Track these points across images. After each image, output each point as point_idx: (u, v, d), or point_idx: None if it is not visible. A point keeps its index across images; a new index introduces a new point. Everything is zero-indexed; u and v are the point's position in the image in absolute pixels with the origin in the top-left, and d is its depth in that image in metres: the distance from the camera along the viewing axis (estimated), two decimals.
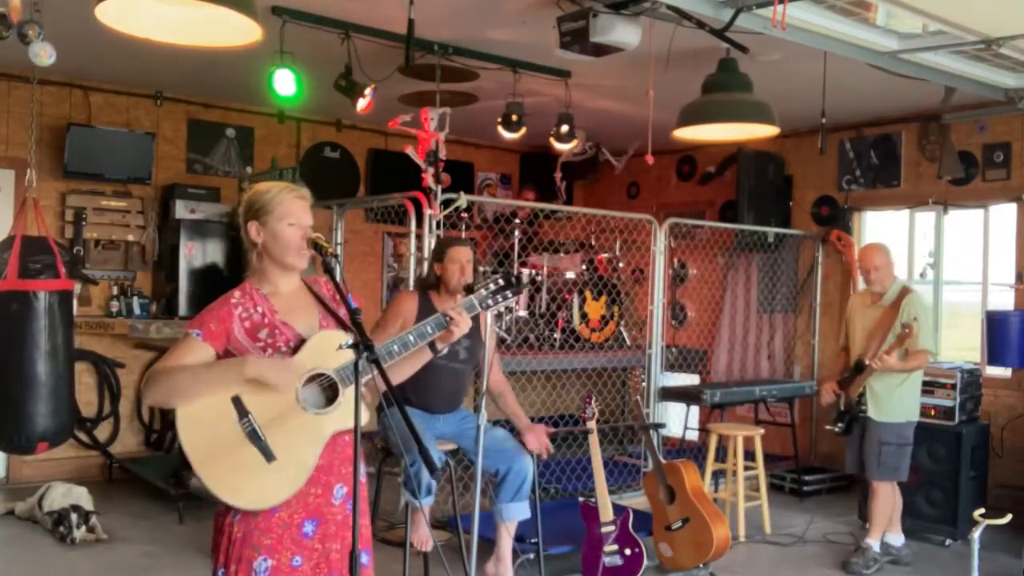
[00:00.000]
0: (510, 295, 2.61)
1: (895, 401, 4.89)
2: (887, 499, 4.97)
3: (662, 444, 6.48)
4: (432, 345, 2.58)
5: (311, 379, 2.36)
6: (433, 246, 4.68)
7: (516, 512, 4.06)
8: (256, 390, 2.30)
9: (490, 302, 2.63)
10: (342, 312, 2.47)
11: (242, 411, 2.29)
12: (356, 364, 2.23)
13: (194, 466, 2.26)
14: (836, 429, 5.08)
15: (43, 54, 3.79)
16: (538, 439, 4.14)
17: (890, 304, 4.92)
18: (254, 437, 2.28)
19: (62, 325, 3.96)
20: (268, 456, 2.28)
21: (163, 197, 6.89)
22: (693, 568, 4.68)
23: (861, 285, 7.06)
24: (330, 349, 2.37)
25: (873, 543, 4.98)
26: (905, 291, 4.96)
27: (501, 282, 2.62)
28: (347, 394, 2.36)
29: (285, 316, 2.42)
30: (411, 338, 2.49)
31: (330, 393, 2.37)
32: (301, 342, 2.38)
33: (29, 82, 6.03)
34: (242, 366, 2.30)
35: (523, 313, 6.58)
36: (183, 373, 2.30)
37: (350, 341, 2.26)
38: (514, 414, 4.25)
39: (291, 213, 2.41)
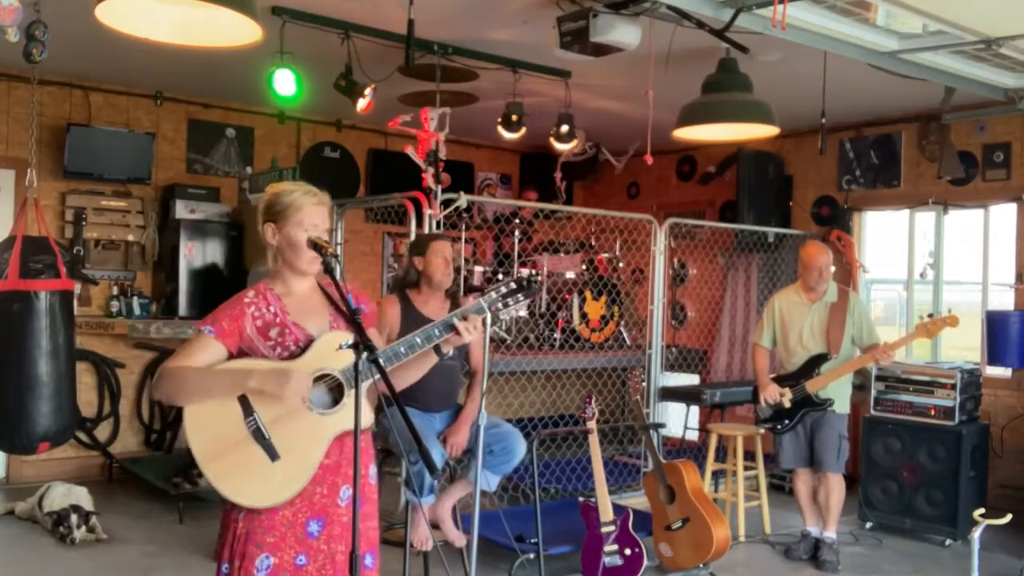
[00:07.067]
0: (522, 298, 2.45)
1: (844, 394, 5.10)
2: (843, 490, 5.10)
3: (662, 444, 6.48)
4: (438, 349, 2.50)
5: (317, 379, 2.36)
6: (411, 242, 4.57)
7: (485, 480, 3.95)
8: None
9: (500, 304, 2.49)
10: None
11: (248, 409, 2.30)
12: (356, 364, 2.23)
13: (200, 463, 2.29)
14: (778, 427, 5.13)
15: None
16: (456, 435, 4.03)
17: (836, 302, 5.08)
18: (259, 435, 2.29)
19: (63, 325, 3.96)
20: (272, 455, 2.30)
21: (163, 197, 6.89)
22: (693, 568, 4.68)
23: (862, 284, 7.11)
24: (336, 349, 2.37)
25: (834, 535, 5.10)
26: (844, 289, 5.20)
27: (513, 285, 2.47)
28: (351, 395, 2.35)
29: (296, 317, 2.42)
30: (417, 340, 2.44)
31: (336, 394, 2.38)
32: (310, 342, 2.39)
33: (29, 82, 6.03)
34: (246, 379, 2.30)
35: (523, 313, 6.57)
36: (191, 375, 2.32)
37: (350, 341, 2.25)
38: (472, 398, 4.15)
39: (308, 220, 2.40)
